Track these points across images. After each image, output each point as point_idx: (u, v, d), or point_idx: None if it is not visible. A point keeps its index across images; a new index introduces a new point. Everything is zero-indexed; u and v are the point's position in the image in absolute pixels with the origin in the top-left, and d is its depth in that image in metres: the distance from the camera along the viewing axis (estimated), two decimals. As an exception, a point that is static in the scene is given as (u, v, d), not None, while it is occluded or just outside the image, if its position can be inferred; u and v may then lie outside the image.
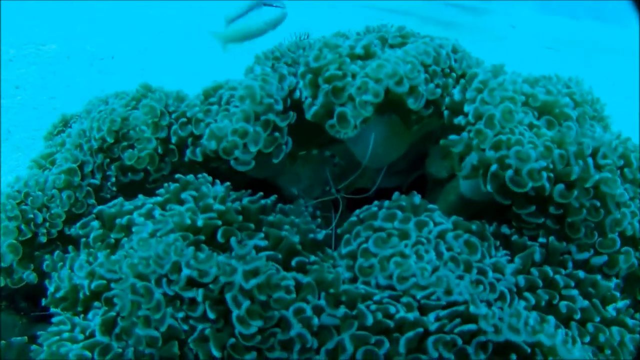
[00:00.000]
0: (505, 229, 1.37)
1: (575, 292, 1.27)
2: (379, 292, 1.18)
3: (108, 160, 1.58)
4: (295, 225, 1.28)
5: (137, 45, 5.73)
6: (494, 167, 1.27)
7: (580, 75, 1.63)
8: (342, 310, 1.11)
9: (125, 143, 1.57)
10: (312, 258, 1.23)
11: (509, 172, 1.26)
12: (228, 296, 1.08)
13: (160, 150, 1.53)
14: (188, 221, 1.24)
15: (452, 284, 1.16)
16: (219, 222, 1.25)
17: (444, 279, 1.18)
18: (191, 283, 1.10)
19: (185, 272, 1.09)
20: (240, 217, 1.28)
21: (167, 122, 1.53)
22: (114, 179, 1.59)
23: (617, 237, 1.33)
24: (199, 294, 1.09)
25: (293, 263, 1.20)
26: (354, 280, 1.23)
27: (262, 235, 1.24)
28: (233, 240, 1.22)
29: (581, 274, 1.30)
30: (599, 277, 1.30)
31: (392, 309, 1.14)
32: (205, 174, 1.44)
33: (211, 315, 1.08)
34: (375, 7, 6.50)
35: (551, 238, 1.30)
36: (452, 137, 1.38)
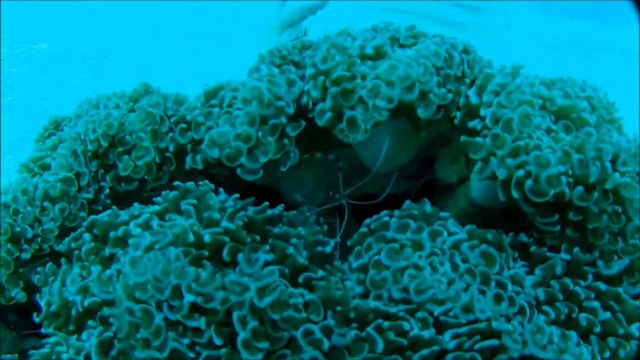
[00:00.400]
0: (523, 237, 1.31)
1: (597, 304, 1.21)
2: (392, 306, 1.11)
3: (103, 170, 1.50)
4: (302, 237, 1.21)
5: (131, 45, 5.64)
6: (519, 173, 1.20)
7: (577, 75, 1.58)
8: (352, 331, 1.04)
9: (121, 149, 1.48)
10: (320, 273, 1.16)
11: (529, 182, 1.19)
12: (235, 316, 1.01)
13: (158, 160, 1.45)
14: (191, 237, 1.16)
15: (473, 300, 1.10)
16: (227, 239, 1.17)
17: (461, 293, 1.12)
18: (195, 309, 1.04)
19: (188, 298, 1.02)
20: (246, 234, 1.20)
21: (166, 129, 1.45)
22: (107, 191, 1.51)
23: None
24: (202, 322, 1.02)
25: (300, 279, 1.13)
26: (365, 294, 1.16)
27: (267, 248, 1.17)
28: (241, 256, 1.14)
29: (602, 286, 1.24)
30: (621, 289, 1.25)
31: (407, 326, 1.08)
32: (206, 181, 1.35)
33: (217, 341, 1.01)
34: (370, 6, 6.44)
35: (576, 249, 1.24)
36: (465, 139, 1.31)
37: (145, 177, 1.47)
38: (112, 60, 5.30)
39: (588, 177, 1.20)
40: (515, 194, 1.22)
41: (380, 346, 1.05)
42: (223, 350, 1.03)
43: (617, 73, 5.26)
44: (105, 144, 1.47)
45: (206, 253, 1.15)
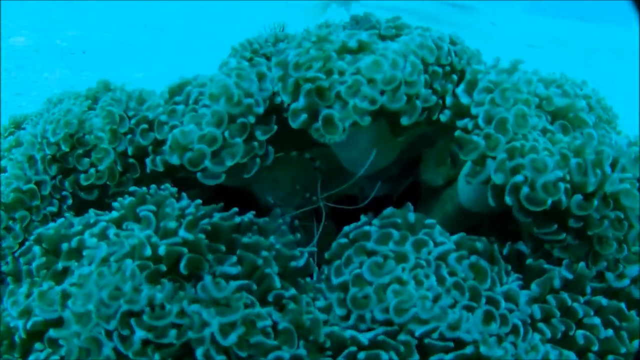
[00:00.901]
0: (521, 247, 1.22)
1: (597, 320, 1.12)
2: (371, 331, 1.00)
3: (61, 176, 1.39)
4: (273, 249, 1.09)
5: (110, 40, 5.50)
6: (517, 179, 1.09)
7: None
8: None
9: (81, 150, 1.36)
10: (291, 291, 1.04)
11: (525, 189, 1.09)
12: (198, 353, 0.90)
13: (119, 163, 1.33)
14: (148, 250, 1.04)
15: (461, 320, 0.99)
16: (185, 250, 1.05)
17: (448, 311, 1.01)
18: (147, 344, 0.93)
19: (139, 334, 0.92)
20: (208, 244, 1.07)
21: (126, 129, 1.32)
22: (70, 202, 1.40)
23: None
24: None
25: (270, 297, 1.01)
26: (346, 317, 1.05)
27: (234, 259, 1.05)
28: (208, 281, 1.02)
29: (604, 301, 1.14)
30: (623, 305, 1.14)
31: (385, 357, 0.98)
32: (168, 185, 1.23)
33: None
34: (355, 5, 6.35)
35: (581, 264, 1.14)
36: (460, 134, 1.20)
37: (108, 182, 1.35)
38: (91, 56, 5.16)
39: (587, 185, 1.10)
40: (509, 200, 1.12)
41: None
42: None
43: (601, 72, 5.21)
44: (65, 147, 1.36)
45: (164, 268, 1.03)
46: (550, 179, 1.08)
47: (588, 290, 1.16)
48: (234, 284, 0.99)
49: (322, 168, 1.51)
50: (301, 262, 1.12)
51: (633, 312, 1.14)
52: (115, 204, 1.21)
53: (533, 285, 1.12)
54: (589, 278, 1.15)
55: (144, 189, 1.22)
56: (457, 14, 7.08)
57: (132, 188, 1.23)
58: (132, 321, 0.91)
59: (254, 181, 1.41)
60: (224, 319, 0.91)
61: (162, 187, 1.23)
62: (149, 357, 0.92)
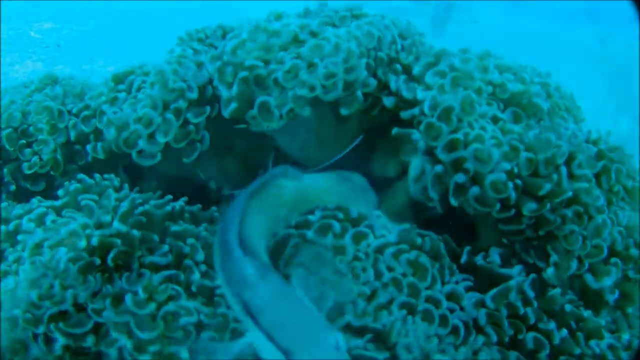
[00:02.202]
0: (469, 249, 1.16)
1: (552, 324, 1.08)
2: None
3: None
4: (202, 238, 1.06)
5: (86, 33, 5.42)
6: (458, 179, 1.06)
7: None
8: None
9: (23, 141, 1.35)
10: (217, 281, 1.00)
11: (473, 190, 1.06)
12: None
13: (59, 155, 1.32)
14: (83, 241, 1.02)
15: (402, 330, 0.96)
16: (118, 241, 1.02)
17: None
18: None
19: (61, 341, 0.93)
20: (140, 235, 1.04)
21: (65, 123, 1.32)
22: (13, 188, 1.37)
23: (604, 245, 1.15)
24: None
25: (194, 288, 0.98)
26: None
27: (165, 249, 1.02)
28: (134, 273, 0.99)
29: (567, 307, 1.11)
30: (586, 314, 1.11)
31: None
32: (112, 175, 1.22)
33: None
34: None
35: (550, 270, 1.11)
36: (398, 132, 1.17)
37: (52, 172, 1.34)
38: (66, 49, 5.07)
39: (539, 188, 1.07)
40: (454, 202, 1.09)
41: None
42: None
43: (576, 71, 5.23)
44: (8, 141, 1.36)
45: (98, 261, 1.01)
46: (500, 179, 1.05)
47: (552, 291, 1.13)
48: (159, 275, 0.96)
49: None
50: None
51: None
52: (59, 192, 1.20)
53: (488, 298, 1.08)
54: (552, 280, 1.12)
55: (95, 175, 1.22)
56: (439, 11, 7.09)
57: (79, 176, 1.21)
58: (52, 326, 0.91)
59: (200, 169, 1.38)
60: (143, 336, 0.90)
61: (106, 176, 1.21)
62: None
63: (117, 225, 1.04)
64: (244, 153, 1.41)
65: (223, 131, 1.29)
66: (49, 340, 0.96)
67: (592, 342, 1.06)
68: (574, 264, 1.13)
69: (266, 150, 1.36)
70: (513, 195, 1.06)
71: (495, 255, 1.16)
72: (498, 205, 1.06)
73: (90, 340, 0.94)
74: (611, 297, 1.14)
